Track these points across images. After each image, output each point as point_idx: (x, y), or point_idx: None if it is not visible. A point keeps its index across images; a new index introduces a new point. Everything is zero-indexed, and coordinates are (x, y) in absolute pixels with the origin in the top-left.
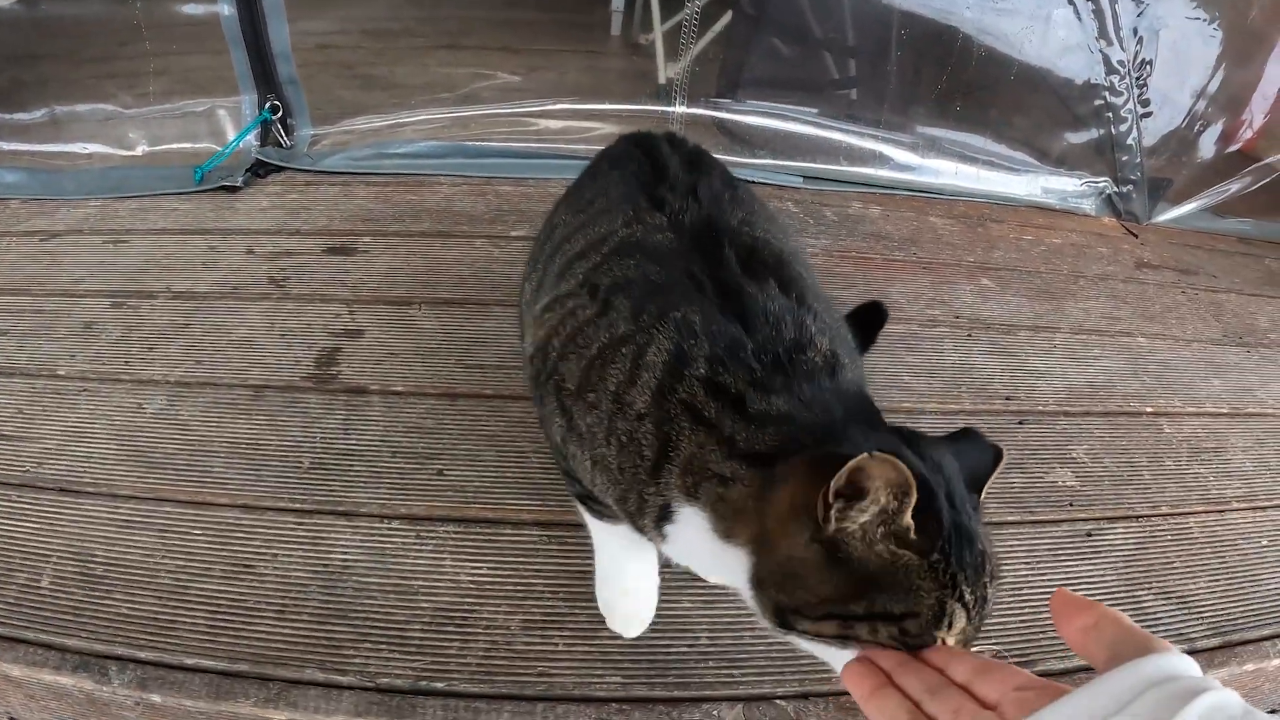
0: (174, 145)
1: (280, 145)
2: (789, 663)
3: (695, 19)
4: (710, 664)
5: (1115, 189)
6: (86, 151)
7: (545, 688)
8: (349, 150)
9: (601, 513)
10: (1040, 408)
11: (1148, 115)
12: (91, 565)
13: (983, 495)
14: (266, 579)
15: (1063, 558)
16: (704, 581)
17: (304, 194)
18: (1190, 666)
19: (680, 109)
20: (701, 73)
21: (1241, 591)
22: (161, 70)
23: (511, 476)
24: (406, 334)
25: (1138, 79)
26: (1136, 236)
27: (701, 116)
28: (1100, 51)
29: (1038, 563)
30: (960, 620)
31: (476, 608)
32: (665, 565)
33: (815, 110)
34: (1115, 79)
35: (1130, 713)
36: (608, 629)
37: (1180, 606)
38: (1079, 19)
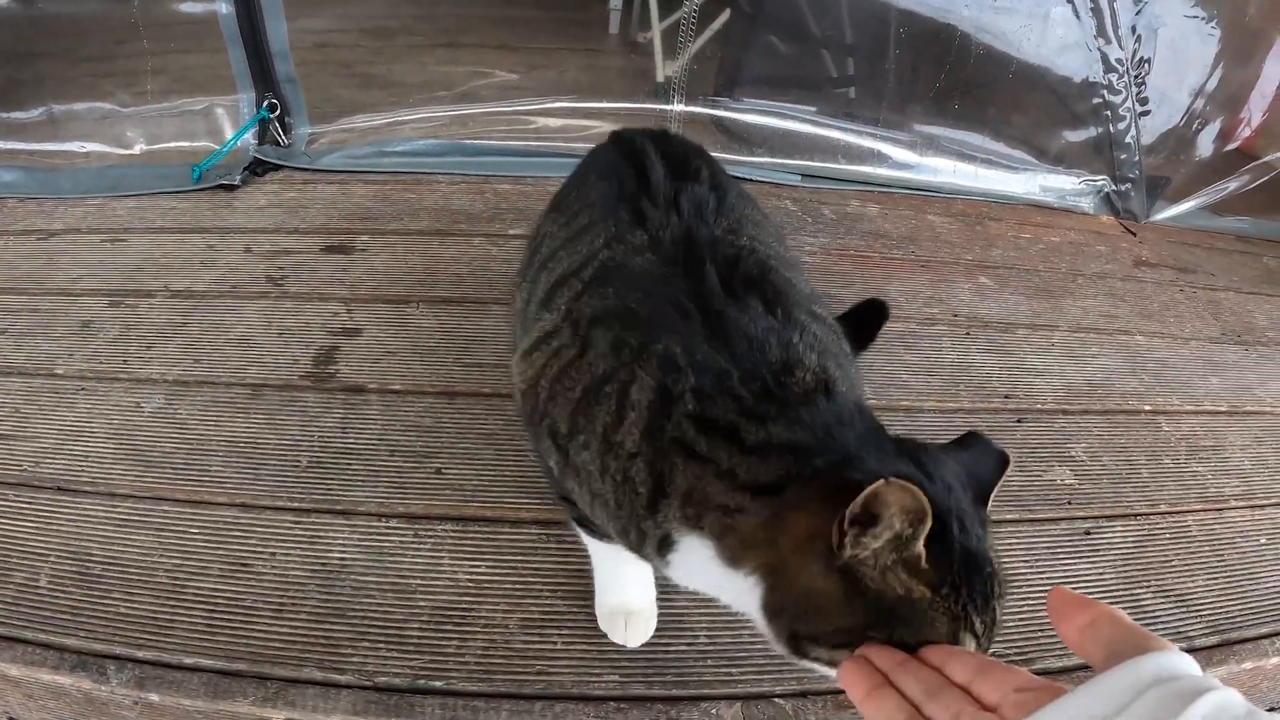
0: (172, 144)
1: (278, 144)
2: (787, 661)
3: (693, 17)
4: (709, 662)
5: (1113, 187)
6: (84, 150)
7: (543, 686)
8: (347, 149)
9: (599, 535)
10: (1039, 406)
11: (1146, 113)
12: (89, 564)
13: (989, 506)
14: (264, 578)
15: (1061, 556)
16: None
17: (302, 192)
18: (1190, 665)
19: (678, 107)
20: (700, 71)
21: (1240, 589)
22: (159, 69)
23: (510, 475)
24: (404, 332)
25: (1136, 77)
26: (1135, 235)
27: (700, 115)
28: (1099, 50)
29: (1036, 561)
30: (970, 646)
31: (475, 606)
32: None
33: (813, 108)
34: (1114, 77)
35: (1131, 713)
36: None
37: (1179, 604)
38: (1077, 17)
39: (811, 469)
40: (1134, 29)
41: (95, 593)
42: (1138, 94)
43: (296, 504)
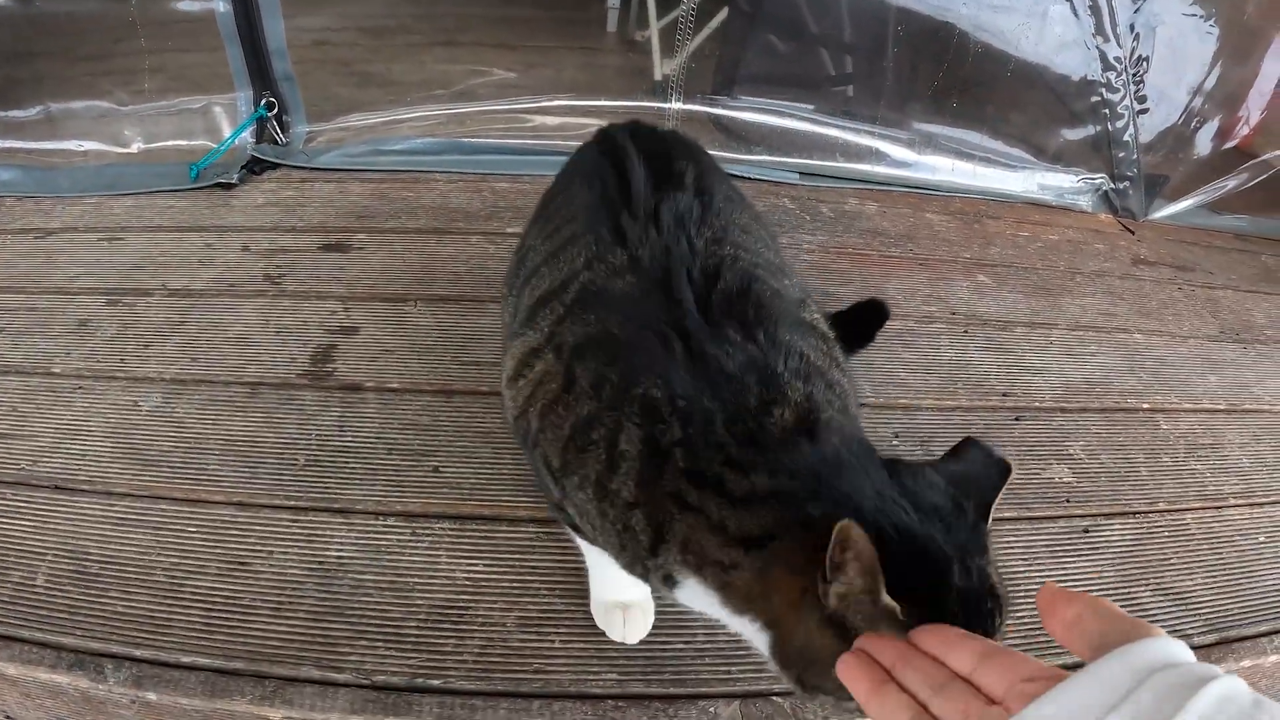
0: (169, 142)
1: (276, 142)
2: None
3: (691, 15)
4: (707, 660)
5: (1112, 185)
6: (82, 149)
7: (542, 685)
8: (345, 147)
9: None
10: (1037, 404)
11: (1144, 112)
12: (87, 563)
13: (990, 519)
14: (262, 576)
15: (1059, 554)
16: None
17: (300, 191)
18: (1184, 651)
19: (676, 105)
20: (698, 69)
21: (1238, 588)
22: (157, 67)
23: (507, 473)
24: (402, 331)
25: (1134, 75)
26: (1133, 233)
27: (698, 113)
28: (1097, 48)
29: (1034, 559)
30: None
31: (472, 605)
32: None
33: (811, 106)
34: (1112, 75)
35: (1135, 701)
36: None
37: (1177, 603)
38: (1076, 15)
39: (795, 519)
40: (1132, 27)
41: (92, 591)
42: (1136, 92)
43: (294, 502)
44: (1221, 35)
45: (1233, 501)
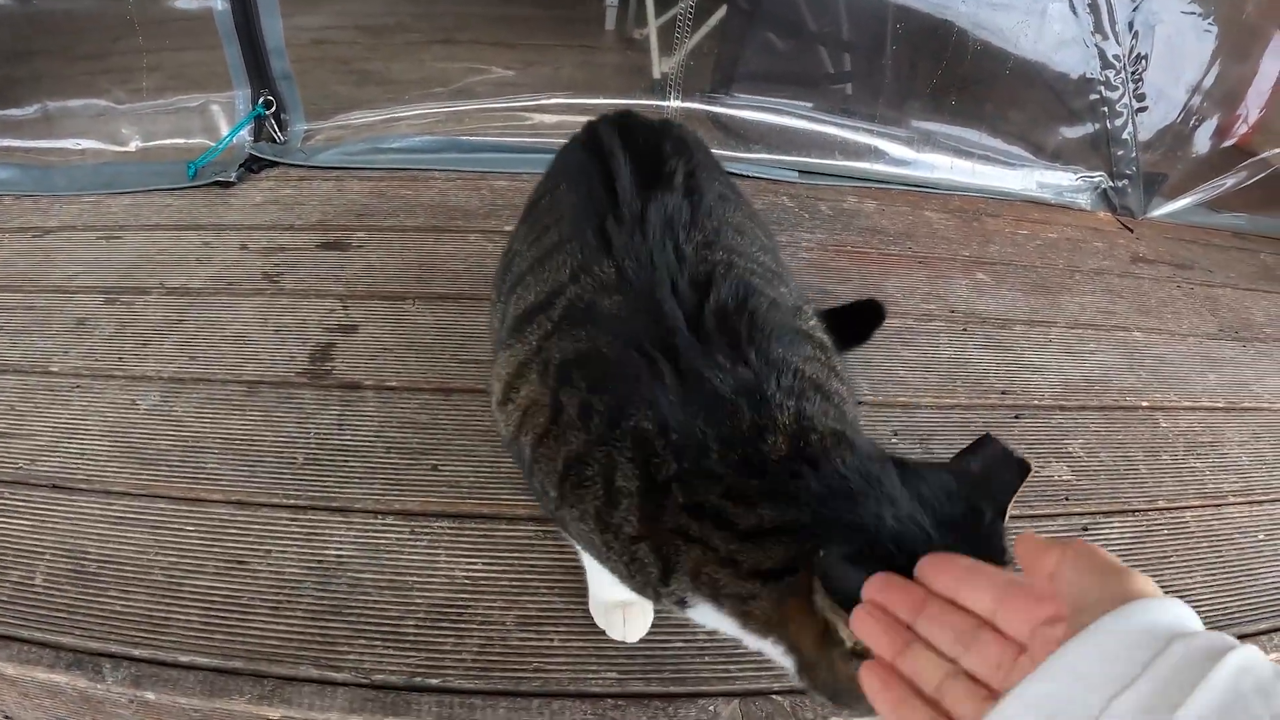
0: (167, 141)
1: (274, 140)
2: None
3: (690, 13)
4: (706, 659)
5: (1110, 184)
6: (79, 147)
7: (541, 684)
8: (343, 145)
9: None
10: (1036, 402)
11: (1143, 110)
12: (85, 562)
13: (1006, 518)
14: (260, 575)
15: None
16: None
17: (298, 189)
18: (1183, 611)
19: (675, 103)
20: (696, 67)
21: (1238, 586)
22: (155, 66)
23: (506, 471)
24: (401, 329)
25: (1133, 73)
26: (1132, 231)
27: (696, 111)
28: (1096, 46)
29: None
30: None
31: (471, 604)
32: None
33: (810, 105)
34: (1111, 73)
35: (1154, 676)
36: None
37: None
38: (1075, 13)
39: (808, 555)
40: (1131, 25)
41: (91, 591)
42: (1135, 90)
43: (292, 501)
44: (1220, 33)
45: (1232, 499)
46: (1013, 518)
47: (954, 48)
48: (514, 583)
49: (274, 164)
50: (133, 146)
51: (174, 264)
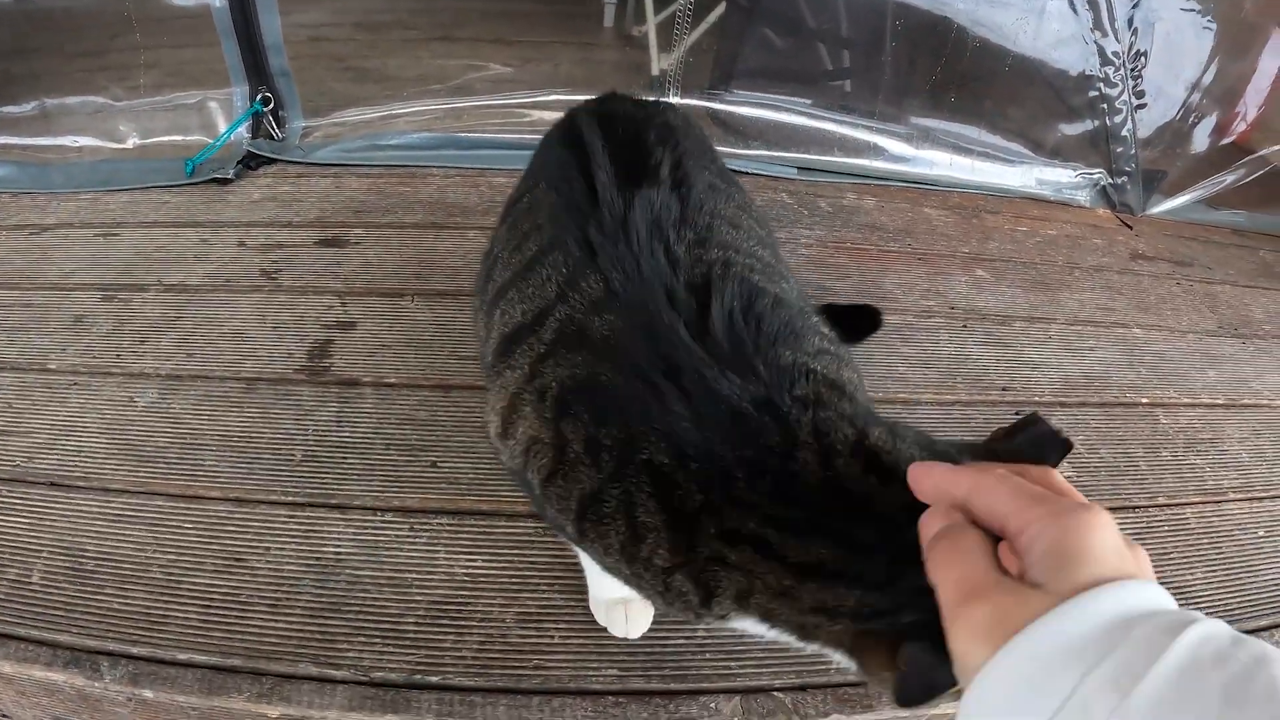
0: (165, 138)
1: (272, 137)
2: (787, 654)
3: (688, 10)
4: (707, 656)
5: (1110, 181)
6: (77, 145)
7: (541, 681)
8: (341, 142)
9: None
10: (1036, 399)
11: (1142, 107)
12: (82, 560)
13: None
14: (259, 573)
15: None
16: None
17: (296, 186)
18: (1159, 595)
19: (674, 100)
20: (695, 64)
21: (1239, 582)
22: (152, 63)
23: (505, 468)
24: (399, 326)
25: (1132, 70)
26: (1131, 228)
27: (695, 108)
28: (1095, 43)
29: None
30: None
31: (471, 601)
32: None
33: (809, 101)
34: (1110, 70)
35: (1120, 653)
36: None
37: (1178, 597)
38: (1074, 10)
39: (872, 615)
40: (1130, 22)
41: (88, 588)
42: (1134, 87)
43: (291, 498)
44: (1219, 31)
45: (1232, 496)
46: None
47: (953, 44)
48: (514, 579)
49: (272, 161)
50: (130, 144)
51: (172, 261)
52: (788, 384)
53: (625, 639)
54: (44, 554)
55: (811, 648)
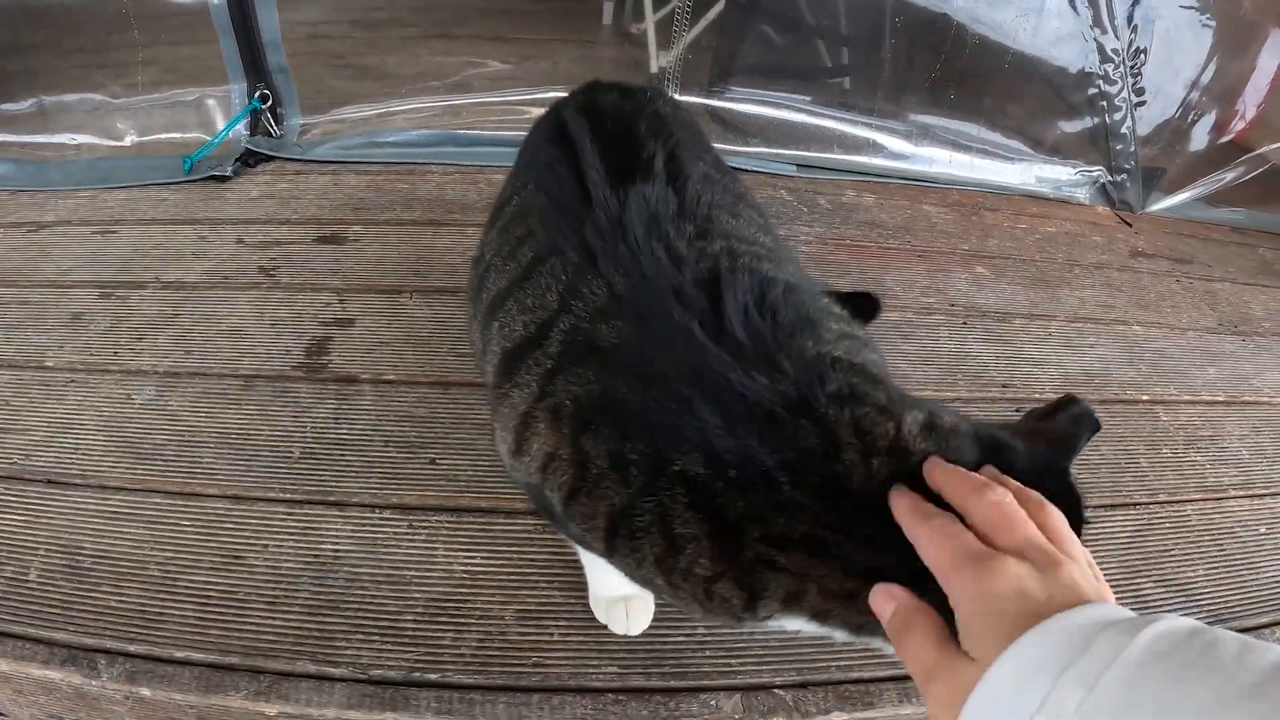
0: (163, 135)
1: (270, 134)
2: (788, 652)
3: (687, 7)
4: (708, 653)
5: (1109, 178)
6: (74, 142)
7: (541, 678)
8: (339, 139)
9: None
10: (1037, 395)
11: (1142, 104)
12: (79, 558)
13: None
14: (257, 570)
15: None
16: None
17: (294, 183)
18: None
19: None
20: (694, 61)
21: (1240, 579)
22: (150, 60)
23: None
24: (398, 322)
25: (1132, 67)
26: (1131, 225)
27: (694, 105)
28: (1094, 40)
29: None
30: None
31: (470, 598)
32: None
33: (809, 98)
34: (1109, 68)
35: (1090, 653)
36: None
37: (1179, 594)
38: (1074, 8)
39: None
40: (1130, 19)
41: (85, 586)
42: (1134, 85)
43: (289, 495)
44: (1218, 29)
45: (1233, 493)
46: None
47: (952, 42)
48: (513, 577)
49: (270, 158)
50: (128, 141)
51: (170, 258)
52: (818, 379)
53: (625, 636)
54: (41, 551)
55: (863, 641)
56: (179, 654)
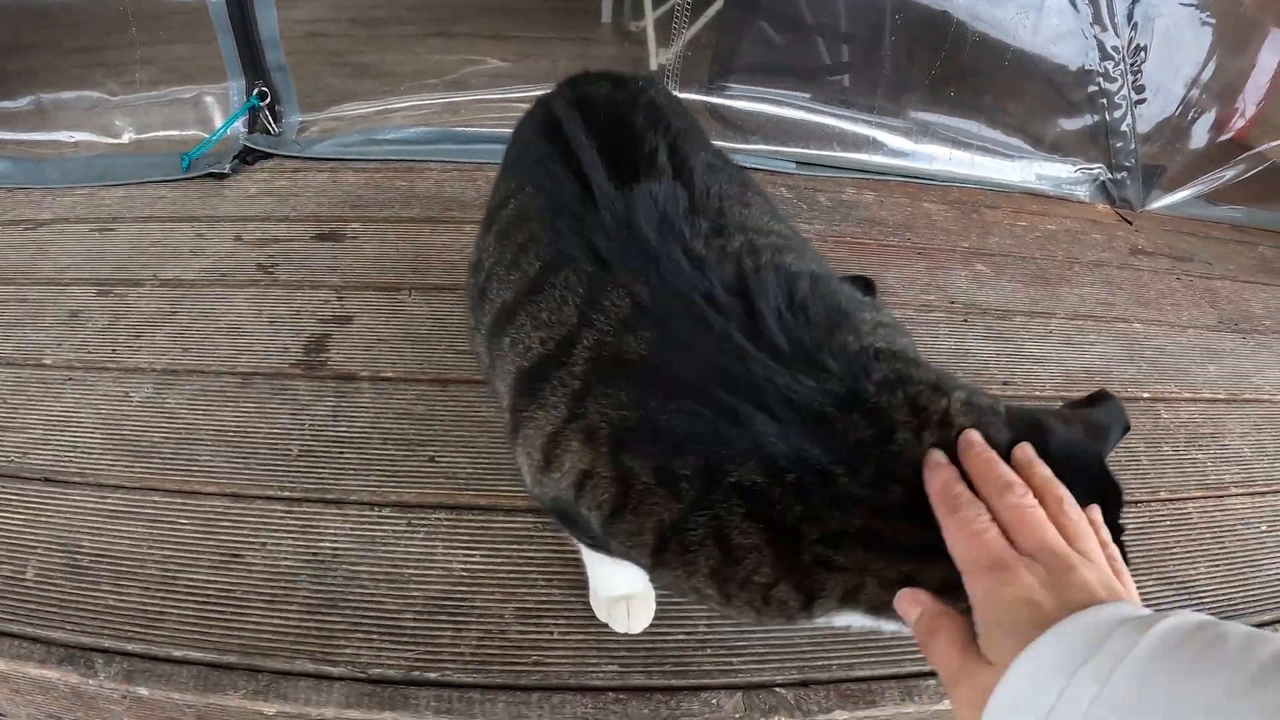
0: (161, 133)
1: (268, 132)
2: (789, 650)
3: (687, 4)
4: (709, 652)
5: (1109, 175)
6: (73, 140)
7: (540, 677)
8: (338, 137)
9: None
10: (1037, 393)
11: (1142, 102)
12: (78, 556)
13: None
14: (255, 569)
15: None
16: None
17: (292, 181)
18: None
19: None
20: (694, 59)
21: (1241, 576)
22: (148, 58)
23: (504, 462)
24: (396, 320)
25: (1132, 65)
26: (1131, 223)
27: (694, 102)
28: (1095, 37)
29: None
30: None
31: (470, 596)
32: None
33: (808, 96)
34: (1110, 65)
35: (1104, 650)
36: None
37: (1181, 591)
38: (1074, 5)
39: None
40: (1130, 17)
41: (83, 585)
42: (1134, 82)
43: (288, 493)
44: (1218, 26)
45: (1234, 491)
46: None
47: (952, 39)
48: (512, 575)
49: (268, 156)
50: (126, 139)
51: (167, 256)
52: (863, 372)
53: (626, 634)
54: (39, 550)
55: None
56: (177, 653)
